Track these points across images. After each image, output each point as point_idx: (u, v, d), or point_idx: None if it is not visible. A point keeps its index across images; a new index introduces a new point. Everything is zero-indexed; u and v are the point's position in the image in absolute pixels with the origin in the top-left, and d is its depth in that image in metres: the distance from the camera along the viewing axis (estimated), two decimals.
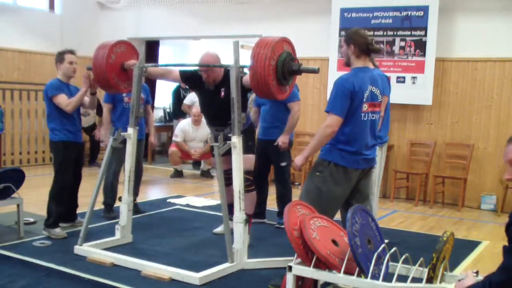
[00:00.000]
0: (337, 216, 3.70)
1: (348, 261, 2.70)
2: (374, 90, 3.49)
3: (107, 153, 4.49)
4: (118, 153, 5.02)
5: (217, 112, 4.43)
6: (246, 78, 4.07)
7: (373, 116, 3.52)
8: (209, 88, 4.40)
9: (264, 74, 3.65)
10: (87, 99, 4.81)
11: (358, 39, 3.46)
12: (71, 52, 4.81)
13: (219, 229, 4.96)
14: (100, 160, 7.61)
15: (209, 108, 4.54)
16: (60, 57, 4.78)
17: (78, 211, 5.16)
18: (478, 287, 1.84)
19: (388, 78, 4.63)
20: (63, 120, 4.73)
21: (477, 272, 2.47)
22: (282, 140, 5.26)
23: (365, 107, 3.44)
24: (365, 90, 3.42)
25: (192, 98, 8.47)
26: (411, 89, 7.18)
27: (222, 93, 4.34)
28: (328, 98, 3.51)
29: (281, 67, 3.72)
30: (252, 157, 4.53)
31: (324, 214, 3.18)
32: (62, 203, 4.79)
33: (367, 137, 3.50)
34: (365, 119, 3.46)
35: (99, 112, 7.63)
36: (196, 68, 4.49)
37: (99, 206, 5.62)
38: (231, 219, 4.14)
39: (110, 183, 5.52)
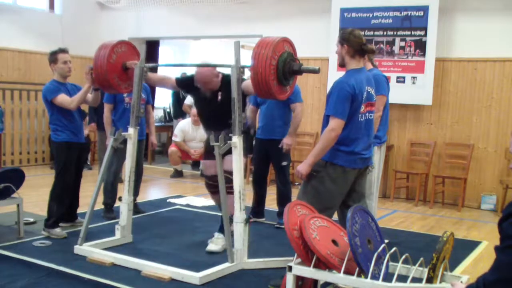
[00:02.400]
0: (335, 216, 3.70)
1: (348, 261, 2.70)
2: (370, 90, 3.53)
3: (107, 153, 4.49)
4: (120, 153, 5.02)
5: (213, 116, 4.43)
6: (246, 84, 4.08)
7: (370, 116, 3.55)
8: (206, 94, 4.43)
9: (265, 74, 3.65)
10: (89, 95, 4.80)
11: (352, 38, 3.46)
12: (64, 51, 4.77)
13: (212, 247, 4.51)
14: (96, 161, 7.64)
15: (205, 113, 4.56)
16: (53, 57, 4.74)
17: (78, 211, 5.16)
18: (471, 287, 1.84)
19: (387, 78, 4.64)
20: (65, 121, 4.73)
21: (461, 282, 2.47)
22: (286, 142, 5.25)
23: (362, 108, 3.46)
24: (363, 91, 3.44)
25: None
26: (411, 89, 7.18)
27: (219, 97, 4.37)
28: (326, 100, 3.51)
29: (282, 67, 3.72)
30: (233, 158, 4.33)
31: (322, 214, 3.19)
32: (63, 204, 4.79)
33: (364, 137, 3.52)
34: (362, 119, 3.49)
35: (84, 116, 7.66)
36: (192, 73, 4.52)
37: (99, 206, 5.63)
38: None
39: (111, 183, 5.51)
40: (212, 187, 4.56)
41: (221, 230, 4.39)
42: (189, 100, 8.71)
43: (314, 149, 3.48)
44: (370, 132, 3.61)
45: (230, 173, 4.20)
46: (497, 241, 1.80)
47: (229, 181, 4.20)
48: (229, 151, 4.18)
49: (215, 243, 4.40)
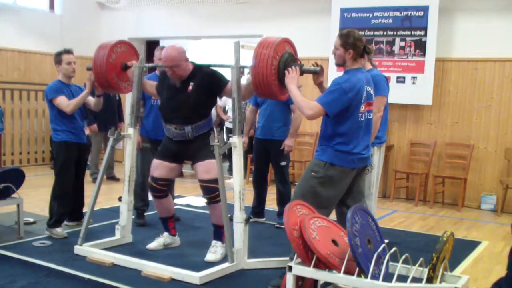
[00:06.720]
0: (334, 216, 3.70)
1: (348, 261, 2.70)
2: (369, 90, 3.52)
3: (107, 153, 4.49)
4: (145, 153, 5.02)
5: (180, 107, 4.12)
6: (229, 87, 4.06)
7: (369, 115, 3.55)
8: (175, 84, 4.18)
9: (266, 74, 3.66)
10: (92, 99, 4.82)
11: (357, 44, 3.44)
12: (68, 52, 4.78)
13: (211, 257, 4.26)
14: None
15: (171, 103, 4.19)
16: (58, 58, 4.76)
17: None
18: None
19: (386, 78, 4.64)
20: (64, 121, 4.73)
21: None
22: (287, 144, 5.26)
23: (362, 107, 3.45)
24: (363, 91, 3.44)
25: None
26: (411, 89, 7.17)
27: (190, 87, 4.12)
28: None
29: (283, 68, 3.72)
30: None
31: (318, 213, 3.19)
32: (64, 203, 4.79)
33: (364, 136, 3.52)
34: (362, 119, 3.48)
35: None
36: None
37: (99, 206, 5.63)
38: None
39: (139, 185, 5.10)
40: (157, 190, 4.33)
41: (217, 237, 4.32)
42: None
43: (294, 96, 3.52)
44: (369, 131, 3.60)
45: (208, 181, 4.11)
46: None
47: (211, 191, 4.11)
48: (202, 156, 4.11)
49: (213, 252, 4.25)
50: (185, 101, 4.12)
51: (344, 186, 3.51)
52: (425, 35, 7.01)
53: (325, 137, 3.49)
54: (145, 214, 5.39)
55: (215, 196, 4.10)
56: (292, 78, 3.57)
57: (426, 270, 2.80)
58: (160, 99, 4.42)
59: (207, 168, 4.11)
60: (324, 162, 3.45)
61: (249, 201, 5.56)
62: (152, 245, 4.48)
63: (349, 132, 3.43)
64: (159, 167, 4.30)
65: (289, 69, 3.61)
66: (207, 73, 4.19)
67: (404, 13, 7.13)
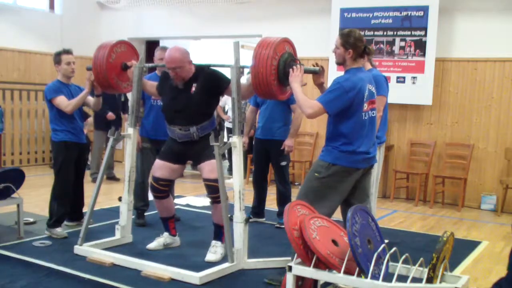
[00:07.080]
0: (337, 216, 3.70)
1: (348, 261, 2.70)
2: (371, 88, 3.52)
3: (107, 153, 4.49)
4: (145, 153, 5.04)
5: (184, 109, 4.11)
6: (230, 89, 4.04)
7: (373, 113, 3.54)
8: (177, 85, 4.17)
9: (266, 74, 3.66)
10: (91, 99, 4.82)
11: (358, 44, 3.43)
12: (68, 52, 4.79)
13: (211, 257, 4.26)
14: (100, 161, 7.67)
15: (174, 104, 4.17)
16: (57, 58, 4.77)
17: None
18: None
19: (386, 79, 4.63)
20: (64, 121, 4.74)
21: None
22: (288, 144, 5.25)
23: (365, 106, 3.45)
24: (365, 90, 3.43)
25: None
26: (411, 89, 7.17)
27: (193, 89, 4.12)
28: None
29: (283, 68, 3.72)
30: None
31: (322, 214, 3.18)
32: (63, 203, 4.79)
33: (367, 135, 3.50)
34: (365, 118, 3.47)
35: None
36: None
37: (99, 206, 5.63)
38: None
39: (139, 185, 5.10)
40: (158, 191, 4.32)
41: (217, 237, 4.32)
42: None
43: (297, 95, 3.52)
44: (373, 129, 3.60)
45: (213, 180, 4.09)
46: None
47: (216, 190, 4.07)
48: (207, 156, 4.10)
49: (213, 252, 4.24)
50: (189, 102, 4.12)
51: (348, 186, 3.50)
52: (425, 35, 7.01)
53: (330, 138, 3.50)
54: (145, 214, 5.39)
55: (219, 196, 4.09)
56: (296, 76, 3.57)
57: (426, 270, 2.80)
58: (162, 100, 4.42)
59: (212, 167, 4.10)
60: (328, 163, 3.44)
61: (249, 201, 5.56)
62: (152, 245, 4.48)
63: (353, 131, 3.42)
64: (161, 168, 4.30)
65: (294, 67, 3.61)
66: (209, 74, 4.19)
67: (404, 13, 7.14)
